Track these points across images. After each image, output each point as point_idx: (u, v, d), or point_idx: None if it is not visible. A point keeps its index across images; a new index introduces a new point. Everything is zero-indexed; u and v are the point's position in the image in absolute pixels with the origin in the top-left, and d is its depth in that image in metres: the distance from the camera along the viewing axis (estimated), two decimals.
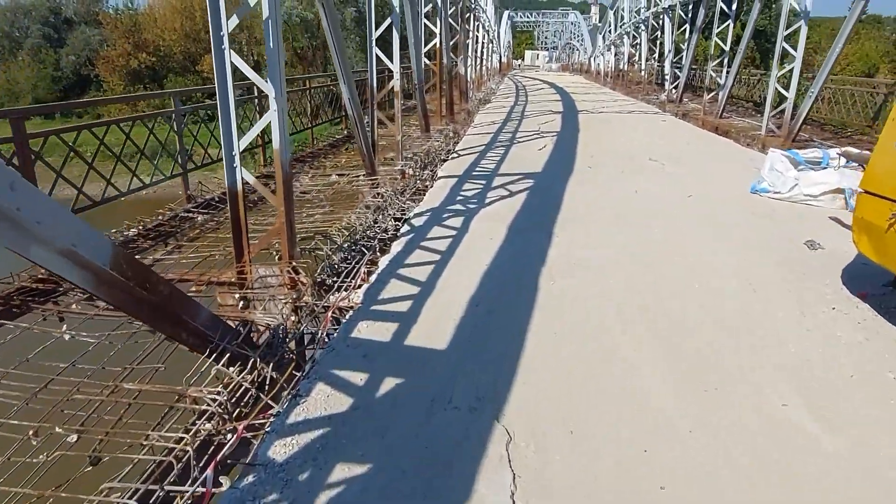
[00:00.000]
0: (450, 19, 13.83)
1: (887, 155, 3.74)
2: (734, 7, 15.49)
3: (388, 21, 8.01)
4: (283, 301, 4.19)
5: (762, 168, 7.67)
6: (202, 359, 3.32)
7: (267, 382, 3.42)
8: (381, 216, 6.17)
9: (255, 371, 3.39)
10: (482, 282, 4.51)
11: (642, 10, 25.48)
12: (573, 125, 14.87)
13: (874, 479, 2.47)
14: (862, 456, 2.61)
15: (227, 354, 3.43)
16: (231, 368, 3.51)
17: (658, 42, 25.53)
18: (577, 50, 59.41)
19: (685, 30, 20.76)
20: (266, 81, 3.96)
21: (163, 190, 7.44)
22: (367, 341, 3.56)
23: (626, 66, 30.52)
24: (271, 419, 2.93)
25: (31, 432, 2.78)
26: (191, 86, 27.80)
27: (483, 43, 26.66)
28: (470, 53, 20.10)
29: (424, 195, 7.35)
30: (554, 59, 72.39)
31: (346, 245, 5.17)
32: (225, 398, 3.07)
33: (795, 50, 11.30)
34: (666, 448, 2.64)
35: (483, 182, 8.00)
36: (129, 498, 2.35)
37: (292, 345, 4.02)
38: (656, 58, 26.28)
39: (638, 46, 28.36)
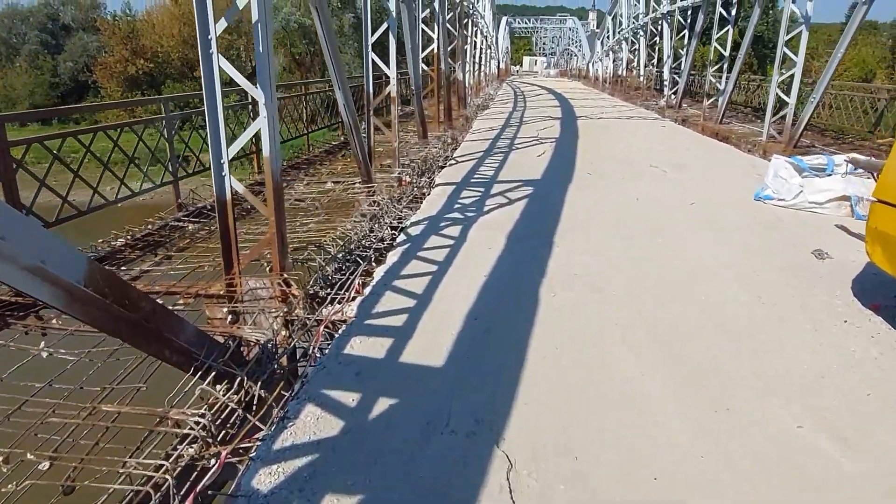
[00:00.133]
0: (448, 25, 13.74)
1: None
2: (734, 12, 15.43)
3: (385, 26, 7.89)
4: (274, 315, 4.03)
5: (766, 175, 7.53)
6: (187, 377, 3.16)
7: (255, 402, 3.26)
8: (376, 225, 6.02)
9: (243, 390, 3.23)
10: (480, 294, 4.35)
11: (641, 16, 25.46)
12: (572, 131, 14.77)
13: None
14: (887, 479, 2.45)
15: (213, 372, 3.28)
16: (219, 386, 3.36)
17: (656, 48, 25.51)
18: (576, 56, 59.56)
19: (683, 35, 20.74)
20: (256, 87, 3.81)
21: (160, 196, 7.30)
22: (360, 358, 3.40)
23: (624, 72, 30.51)
24: (258, 443, 2.77)
25: (0, 459, 2.62)
26: (189, 92, 27.69)
27: (481, 49, 26.61)
28: (468, 59, 20.02)
29: (422, 203, 7.20)
30: (552, 65, 72.58)
31: (340, 255, 5.01)
32: (209, 420, 2.91)
33: (796, 55, 11.21)
34: (676, 479, 2.47)
35: (481, 189, 7.86)
36: None
37: (284, 360, 3.87)
38: (655, 63, 26.26)
39: (636, 52, 28.35)
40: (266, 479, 2.43)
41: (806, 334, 3.80)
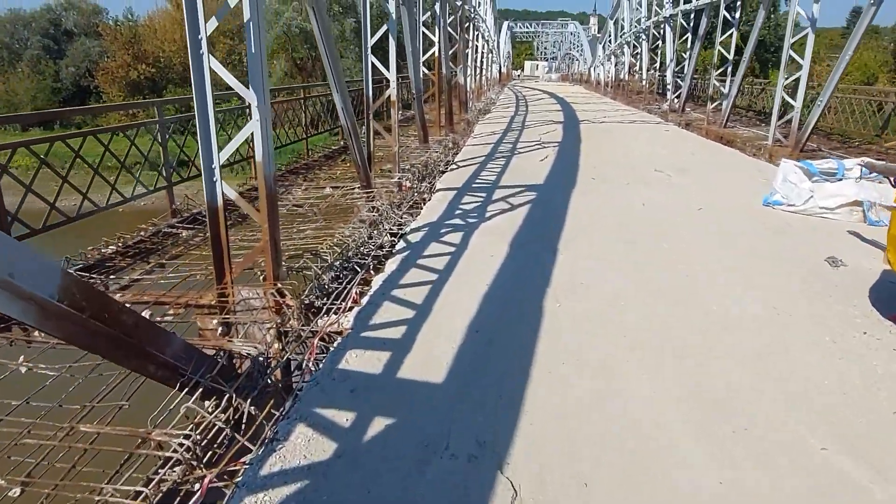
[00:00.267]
0: (449, 28, 13.62)
1: None
2: (738, 15, 15.30)
3: (385, 28, 7.75)
4: (267, 326, 3.86)
5: (774, 180, 7.36)
6: (172, 393, 2.99)
7: (244, 420, 3.09)
8: (375, 231, 5.86)
9: (231, 407, 3.06)
10: (482, 304, 4.18)
11: (643, 20, 25.35)
12: (575, 135, 14.61)
13: None
14: None
15: (201, 388, 3.11)
16: (207, 402, 3.19)
17: (658, 51, 25.39)
18: (577, 60, 59.52)
19: (686, 39, 20.60)
20: (248, 89, 3.66)
21: (159, 201, 7.15)
22: (355, 373, 3.22)
23: (626, 76, 30.39)
24: (245, 467, 2.59)
25: None
26: (188, 95, 27.55)
27: (483, 53, 26.52)
28: (469, 63, 19.91)
29: (422, 208, 7.04)
30: (553, 69, 72.60)
31: (337, 263, 4.85)
32: (194, 441, 2.74)
33: (801, 58, 11.07)
34: None
35: (483, 195, 7.69)
36: None
37: (277, 374, 3.70)
38: (657, 67, 26.13)
39: (639, 56, 28.23)
40: None
41: (825, 347, 3.62)
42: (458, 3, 14.95)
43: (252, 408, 3.17)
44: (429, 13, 12.56)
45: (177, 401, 2.95)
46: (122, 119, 24.93)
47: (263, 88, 3.67)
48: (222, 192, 3.86)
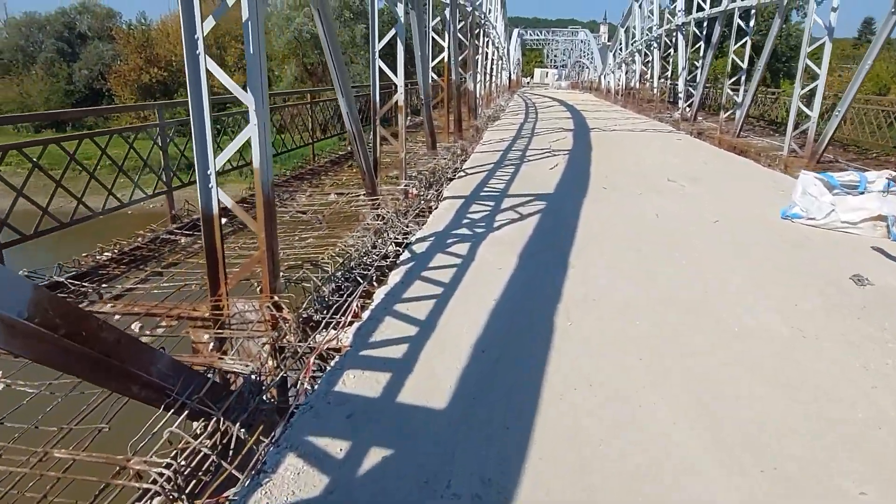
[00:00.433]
0: (459, 34, 13.47)
1: None
2: (752, 24, 15.05)
3: (393, 32, 7.59)
4: (263, 342, 3.67)
5: (793, 192, 7.09)
6: (156, 415, 2.79)
7: (232, 444, 2.89)
8: (380, 240, 5.66)
9: (219, 432, 2.86)
10: (489, 321, 3.96)
11: (654, 28, 25.13)
12: (585, 143, 14.39)
13: None
14: None
15: (188, 410, 2.91)
16: (195, 424, 2.99)
17: (670, 60, 25.14)
18: (587, 68, 59.31)
19: (698, 48, 20.34)
20: (246, 91, 3.48)
21: (160, 205, 6.99)
22: (352, 397, 3.01)
23: (637, 84, 30.13)
24: (229, 500, 2.39)
25: None
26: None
27: (493, 59, 26.39)
28: (479, 69, 19.77)
29: (429, 216, 6.84)
30: (563, 77, 72.42)
31: (338, 274, 4.65)
32: (176, 470, 2.54)
33: (819, 67, 10.81)
34: None
35: (492, 203, 7.48)
36: None
37: (273, 392, 3.50)
38: (668, 76, 25.87)
39: (650, 64, 27.99)
40: None
41: (855, 374, 3.37)
42: (469, 9, 14.81)
43: (242, 431, 2.97)
44: (438, 19, 12.41)
45: (161, 423, 2.76)
46: (134, 121, 25.02)
47: (262, 91, 3.50)
48: (218, 200, 3.68)
